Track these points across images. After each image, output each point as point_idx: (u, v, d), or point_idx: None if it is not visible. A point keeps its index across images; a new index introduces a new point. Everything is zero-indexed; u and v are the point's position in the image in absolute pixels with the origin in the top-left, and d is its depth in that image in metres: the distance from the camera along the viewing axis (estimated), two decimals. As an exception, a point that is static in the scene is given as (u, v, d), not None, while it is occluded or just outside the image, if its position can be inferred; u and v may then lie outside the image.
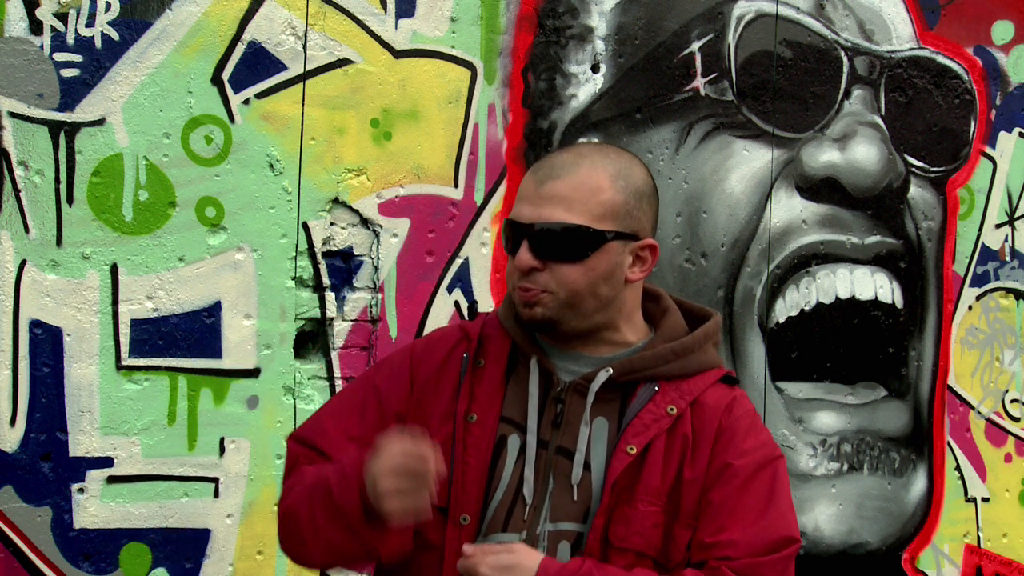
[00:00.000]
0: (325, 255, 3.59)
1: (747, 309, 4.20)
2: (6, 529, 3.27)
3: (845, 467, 4.37)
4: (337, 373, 3.61)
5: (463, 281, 3.76)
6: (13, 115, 3.24)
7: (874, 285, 4.40)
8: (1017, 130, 4.67)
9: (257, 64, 3.48)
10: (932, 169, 4.51)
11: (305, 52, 3.54)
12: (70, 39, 3.28)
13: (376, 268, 3.65)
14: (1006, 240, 4.67)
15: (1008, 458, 4.72)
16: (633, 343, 2.16)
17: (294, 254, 3.55)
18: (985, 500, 4.66)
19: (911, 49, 4.44)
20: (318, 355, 3.60)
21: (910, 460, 4.51)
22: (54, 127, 3.28)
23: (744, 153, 4.15)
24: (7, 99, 3.23)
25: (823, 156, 4.28)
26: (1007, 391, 4.72)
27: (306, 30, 3.53)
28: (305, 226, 3.55)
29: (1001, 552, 4.70)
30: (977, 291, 4.63)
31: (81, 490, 3.34)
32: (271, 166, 3.51)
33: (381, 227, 3.65)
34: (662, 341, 2.15)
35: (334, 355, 3.60)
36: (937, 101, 4.50)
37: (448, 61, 3.72)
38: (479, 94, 3.76)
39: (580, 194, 2.06)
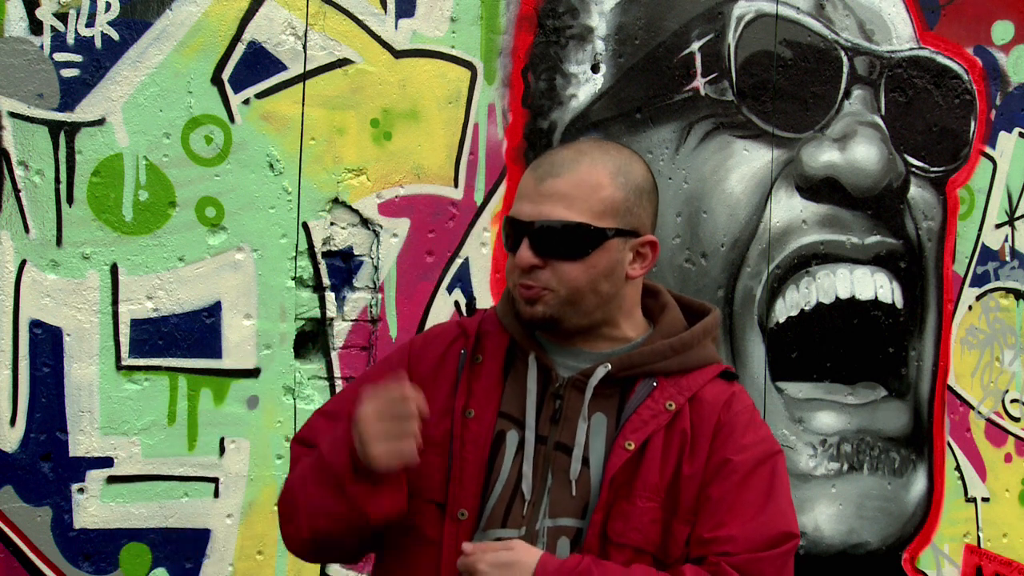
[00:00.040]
0: (325, 255, 3.59)
1: (747, 309, 4.20)
2: (6, 529, 3.27)
3: (845, 467, 4.37)
4: (337, 373, 3.61)
5: (463, 281, 3.76)
6: (13, 115, 3.24)
7: (874, 285, 4.41)
8: (1017, 130, 4.67)
9: (257, 64, 3.48)
10: (932, 169, 4.51)
11: (305, 52, 3.54)
12: (70, 39, 3.28)
13: (376, 268, 3.65)
14: (1006, 240, 4.67)
15: (1008, 458, 4.72)
16: (632, 339, 2.16)
17: (294, 254, 3.55)
18: (985, 500, 4.66)
19: (911, 49, 4.44)
20: (318, 355, 3.60)
21: (910, 460, 4.51)
22: (54, 127, 3.28)
23: (744, 153, 4.15)
24: (7, 99, 3.23)
25: (823, 156, 4.28)
26: (1007, 391, 4.72)
27: (306, 30, 3.53)
28: (305, 226, 3.55)
29: (1001, 552, 4.70)
30: (977, 291, 4.63)
31: (81, 490, 3.34)
32: (271, 166, 3.51)
33: (381, 227, 3.65)
34: (661, 337, 2.15)
35: (334, 355, 3.60)
36: (937, 101, 4.50)
37: (448, 61, 3.72)
38: (479, 94, 3.76)
39: (580, 191, 2.06)
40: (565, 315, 2.09)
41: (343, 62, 3.59)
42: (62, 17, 3.27)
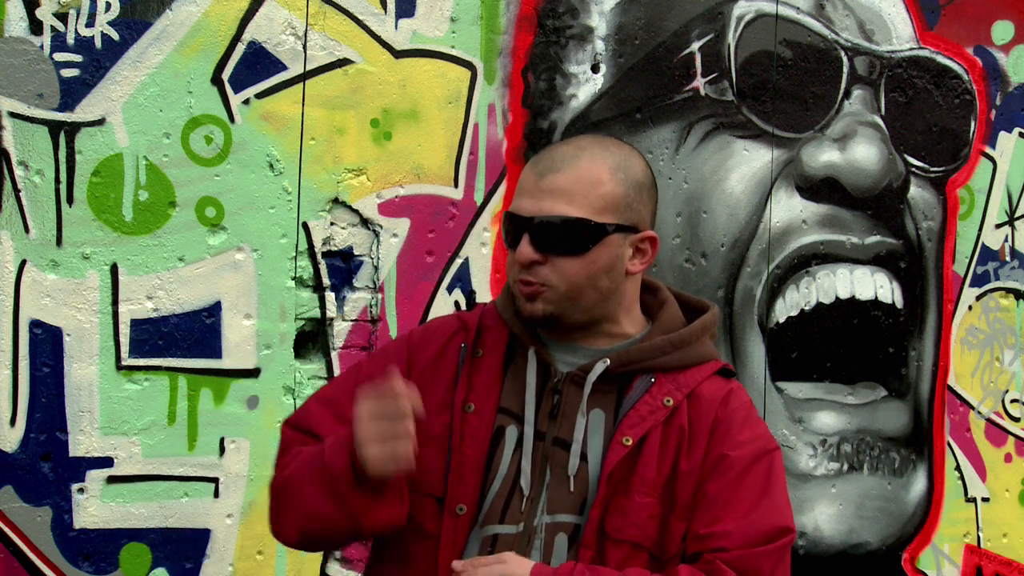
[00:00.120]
0: (325, 255, 3.59)
1: (747, 309, 4.20)
2: (6, 529, 3.27)
3: (845, 467, 4.37)
4: (337, 373, 3.61)
5: (463, 281, 3.76)
6: (13, 115, 3.24)
7: (874, 285, 4.41)
8: (1017, 130, 4.67)
9: (257, 64, 3.48)
10: (932, 169, 4.51)
11: (305, 52, 3.54)
12: (70, 39, 3.28)
13: (376, 268, 3.65)
14: (1006, 240, 4.67)
15: (1008, 458, 4.72)
16: (631, 335, 2.17)
17: (294, 254, 3.55)
18: (985, 500, 4.66)
19: (911, 49, 4.44)
20: (318, 355, 3.60)
21: (910, 460, 4.51)
22: (54, 127, 3.28)
23: (744, 153, 4.15)
24: (7, 99, 3.23)
25: (823, 156, 4.28)
26: (1007, 391, 4.72)
27: (306, 30, 3.53)
28: (305, 226, 3.55)
29: (1001, 552, 4.70)
30: (977, 291, 4.63)
31: (81, 490, 3.34)
32: (271, 166, 3.51)
33: (381, 227, 3.65)
34: (659, 333, 2.16)
35: (334, 355, 3.60)
36: (937, 101, 4.50)
37: (448, 61, 3.72)
38: (479, 94, 3.76)
39: (580, 187, 2.06)
40: (565, 311, 2.09)
41: (343, 62, 3.59)
42: (62, 17, 3.27)
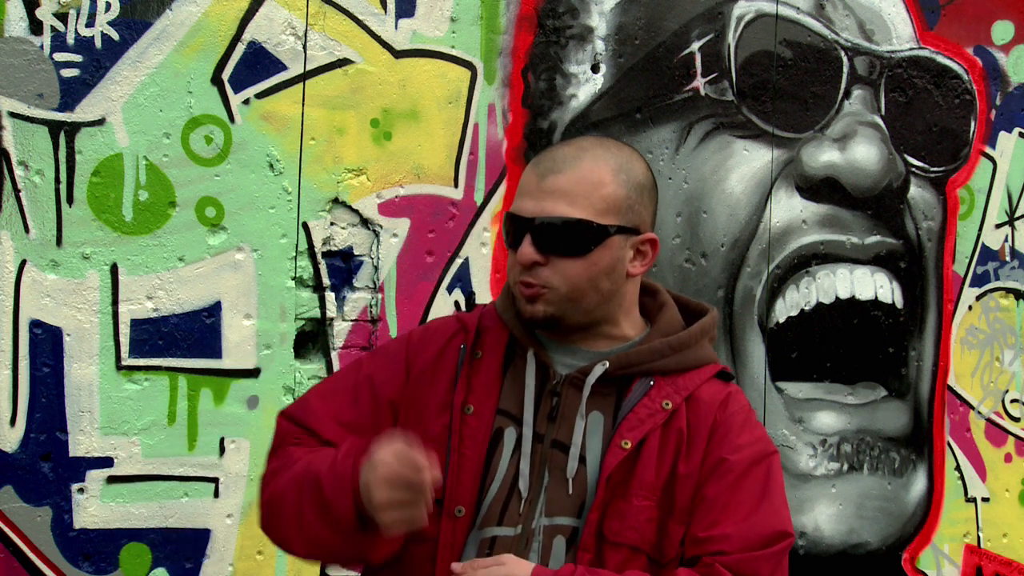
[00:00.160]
0: (325, 255, 3.59)
1: (747, 309, 4.20)
2: (6, 529, 3.27)
3: (845, 467, 4.37)
4: (337, 373, 3.60)
5: (463, 281, 3.76)
6: (13, 115, 3.24)
7: (874, 285, 4.41)
8: (1017, 130, 4.67)
9: (257, 64, 3.48)
10: (932, 169, 4.51)
11: (305, 52, 3.54)
12: (70, 39, 3.28)
13: (376, 268, 3.65)
14: (1006, 240, 4.67)
15: (1008, 458, 4.72)
16: (631, 337, 2.16)
17: (294, 254, 3.55)
18: (985, 500, 4.66)
19: (911, 49, 4.44)
20: (318, 355, 3.60)
21: (910, 460, 4.51)
22: (54, 127, 3.28)
23: (744, 153, 4.15)
24: (7, 99, 3.23)
25: (823, 156, 4.28)
26: (1007, 391, 4.72)
27: (306, 30, 3.53)
28: (305, 226, 3.55)
29: (1001, 552, 4.70)
30: (977, 291, 4.63)
31: (81, 490, 3.34)
32: (271, 166, 3.51)
33: (381, 227, 3.65)
34: (658, 336, 2.16)
35: (334, 355, 3.60)
36: (937, 101, 4.50)
37: (448, 61, 3.72)
38: (479, 94, 3.76)
39: (583, 188, 2.06)
40: (566, 312, 2.09)
41: (343, 62, 3.59)
42: (62, 17, 3.27)
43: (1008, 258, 4.68)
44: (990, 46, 4.61)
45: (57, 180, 3.29)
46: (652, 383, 2.10)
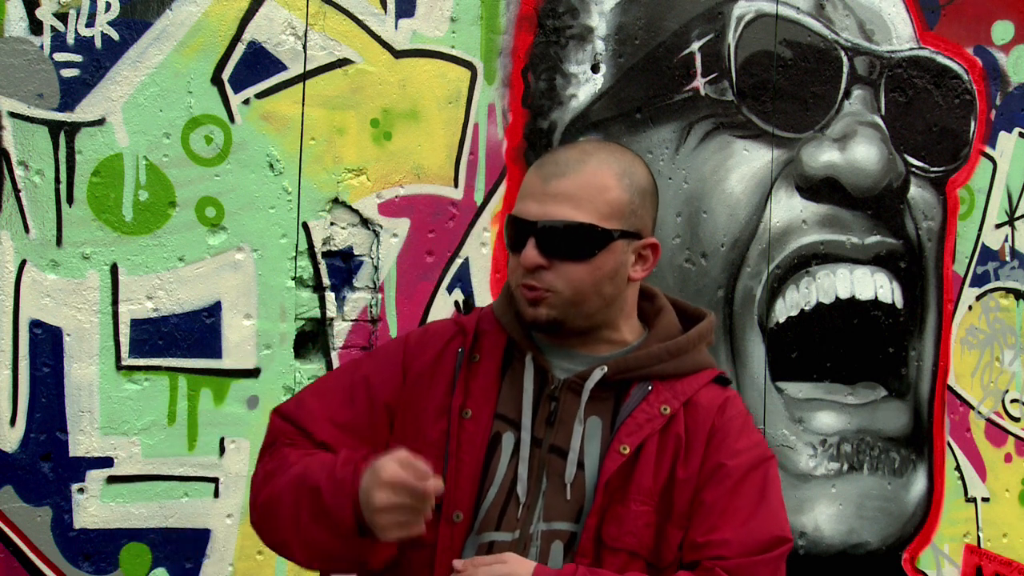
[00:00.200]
0: (325, 255, 3.59)
1: (747, 309, 4.20)
2: (6, 529, 3.27)
3: (845, 467, 4.37)
4: (337, 373, 3.60)
5: (463, 281, 3.76)
6: (13, 115, 3.24)
7: (874, 285, 4.41)
8: (1017, 130, 4.67)
9: (257, 64, 3.48)
10: (932, 169, 4.51)
11: (305, 52, 3.54)
12: (70, 39, 3.28)
13: (376, 268, 3.65)
14: (1006, 240, 4.67)
15: (1008, 458, 4.71)
16: (629, 342, 2.16)
17: (294, 254, 3.55)
18: (985, 500, 4.66)
19: (911, 49, 4.44)
20: (318, 355, 3.60)
21: (910, 460, 4.51)
22: (54, 127, 3.28)
23: (744, 153, 4.15)
24: (7, 99, 3.23)
25: (823, 156, 4.28)
26: (1007, 391, 4.72)
27: (306, 30, 3.53)
28: (305, 226, 3.55)
29: (1001, 552, 4.70)
30: (977, 291, 4.63)
31: (81, 490, 3.34)
32: (271, 166, 3.51)
33: (381, 227, 3.65)
34: (656, 340, 2.16)
35: (334, 355, 3.60)
36: (937, 101, 4.50)
37: (448, 61, 3.72)
38: (479, 94, 3.76)
39: (588, 192, 2.06)
40: (568, 316, 2.09)
41: (343, 62, 3.59)
42: (62, 17, 3.27)
43: (1008, 258, 4.68)
44: (990, 46, 4.61)
45: (57, 180, 3.29)
46: (650, 388, 2.10)
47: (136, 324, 3.38)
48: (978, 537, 4.65)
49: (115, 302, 3.35)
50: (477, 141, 3.76)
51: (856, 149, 4.32)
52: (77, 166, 3.30)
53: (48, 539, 3.31)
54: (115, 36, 3.32)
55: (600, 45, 3.92)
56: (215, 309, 3.46)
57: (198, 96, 3.41)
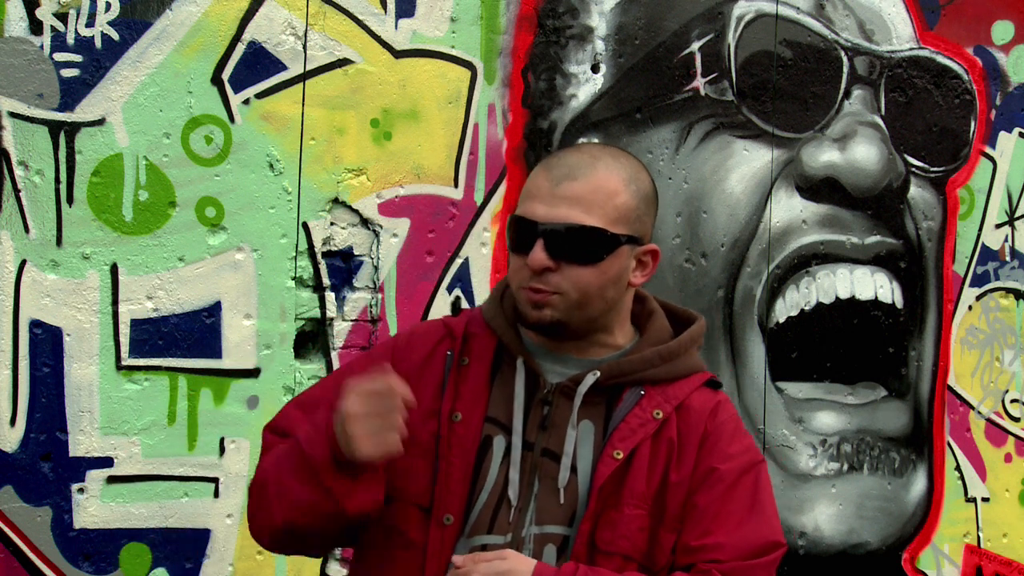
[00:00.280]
0: (325, 255, 3.59)
1: (747, 309, 4.20)
2: (6, 529, 3.27)
3: (845, 467, 4.37)
4: (337, 373, 3.60)
5: (463, 281, 3.76)
6: (13, 115, 3.24)
7: (874, 285, 4.41)
8: (1017, 130, 4.67)
9: (257, 64, 3.48)
10: (932, 169, 4.51)
11: (305, 52, 3.54)
12: (70, 39, 3.28)
13: (376, 268, 3.65)
14: (1006, 240, 4.67)
15: (1008, 458, 4.72)
16: (622, 346, 2.16)
17: (294, 254, 3.55)
18: (985, 500, 4.66)
19: (911, 49, 4.44)
20: (318, 355, 3.60)
21: (910, 460, 4.51)
22: (54, 127, 3.28)
23: (744, 153, 4.15)
24: (7, 99, 3.23)
25: (823, 156, 4.28)
26: (1007, 391, 4.72)
27: (306, 30, 3.53)
28: (305, 226, 3.55)
29: (1001, 552, 4.70)
30: (977, 291, 4.63)
31: (81, 490, 3.34)
32: (271, 166, 3.51)
33: (381, 227, 3.65)
34: (648, 344, 2.16)
35: (334, 355, 3.60)
36: (937, 101, 4.50)
37: (448, 61, 3.72)
38: (479, 94, 3.76)
39: (598, 197, 2.06)
40: (572, 319, 2.08)
41: (343, 62, 3.59)
42: (62, 17, 3.27)
43: (1008, 258, 4.68)
44: (990, 46, 4.61)
45: (57, 180, 3.29)
46: (643, 392, 2.10)
47: (136, 324, 3.38)
48: (978, 537, 4.65)
49: (115, 302, 3.35)
50: (477, 141, 3.76)
51: (856, 149, 4.32)
52: (77, 166, 3.30)
53: (48, 539, 3.31)
54: (115, 36, 3.32)
55: (600, 45, 3.92)
56: (215, 309, 3.46)
57: (198, 96, 3.41)
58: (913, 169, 4.46)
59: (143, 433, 3.40)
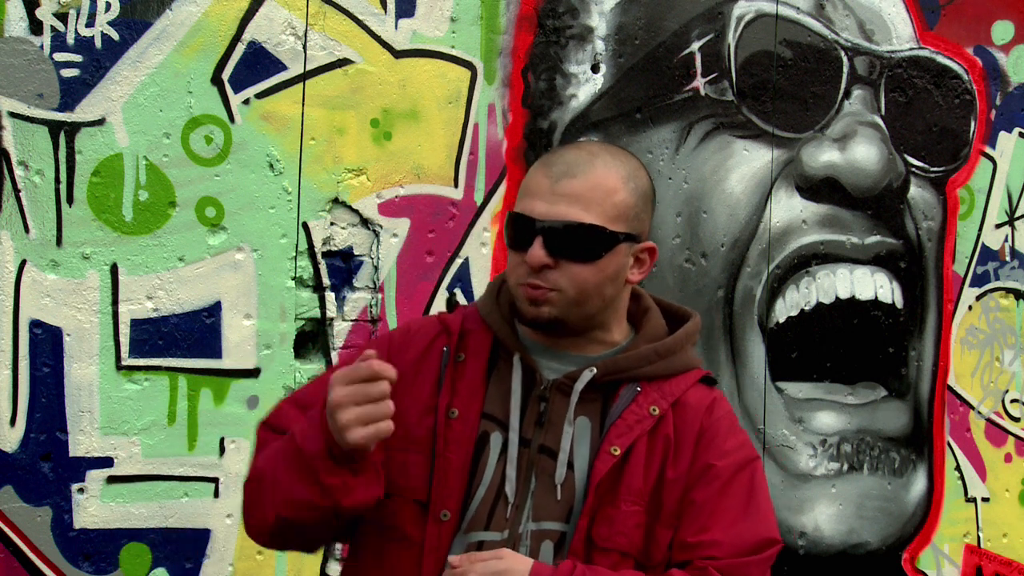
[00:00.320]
0: (325, 255, 3.59)
1: (747, 309, 4.20)
2: (6, 529, 3.27)
3: (845, 467, 4.37)
4: (337, 373, 3.60)
5: (463, 281, 3.76)
6: (13, 115, 3.24)
7: (874, 285, 4.41)
8: (1017, 130, 4.67)
9: (257, 64, 3.48)
10: (932, 169, 4.51)
11: (305, 52, 3.54)
12: (70, 39, 3.28)
13: (376, 268, 3.65)
14: (1006, 240, 4.67)
15: (1008, 458, 4.72)
16: (618, 342, 2.17)
17: (294, 254, 3.55)
18: (985, 500, 4.66)
19: (911, 49, 4.44)
20: (318, 355, 3.60)
21: (910, 460, 4.51)
22: (54, 127, 3.28)
23: (744, 153, 4.15)
24: (7, 99, 3.23)
25: (823, 156, 4.28)
26: (1007, 391, 4.72)
27: (306, 30, 3.53)
28: (305, 226, 3.55)
29: (1001, 552, 4.70)
30: (977, 291, 4.63)
31: (81, 490, 3.34)
32: (271, 166, 3.51)
33: (381, 227, 3.65)
34: (644, 341, 2.16)
35: (334, 355, 3.60)
36: (937, 101, 4.50)
37: (448, 61, 3.72)
38: (479, 94, 3.76)
39: (597, 194, 2.06)
40: (569, 316, 2.09)
41: (343, 62, 3.59)
42: (62, 17, 3.27)
43: (1008, 258, 4.68)
44: (990, 46, 4.61)
45: (57, 180, 3.29)
46: (639, 389, 2.10)
47: (136, 324, 3.38)
48: (978, 537, 4.65)
49: (115, 302, 3.35)
50: (477, 141, 3.76)
51: (856, 149, 4.32)
52: (77, 166, 3.30)
53: (48, 539, 3.31)
54: (115, 36, 3.32)
55: (600, 45, 3.92)
56: (215, 309, 3.46)
57: (198, 96, 3.41)
58: (913, 169, 4.46)
59: (143, 433, 3.40)
